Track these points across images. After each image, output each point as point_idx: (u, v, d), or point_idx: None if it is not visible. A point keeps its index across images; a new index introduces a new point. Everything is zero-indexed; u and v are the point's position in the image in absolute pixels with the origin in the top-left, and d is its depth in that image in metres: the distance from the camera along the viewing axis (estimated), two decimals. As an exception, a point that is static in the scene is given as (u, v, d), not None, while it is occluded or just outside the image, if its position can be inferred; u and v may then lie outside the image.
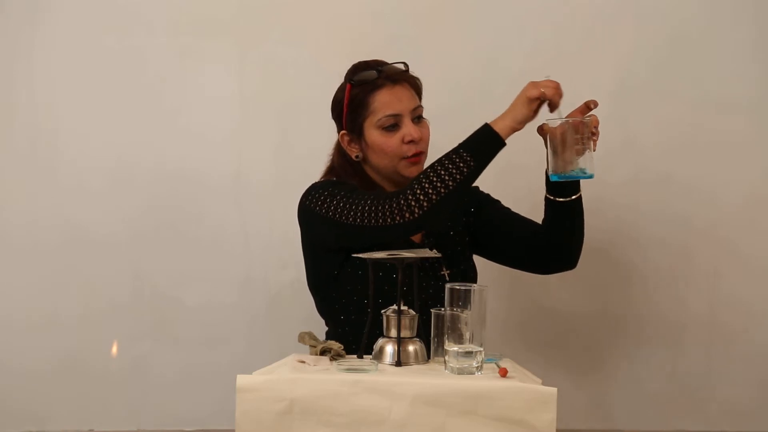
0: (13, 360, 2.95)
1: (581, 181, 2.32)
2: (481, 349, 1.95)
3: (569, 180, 2.29)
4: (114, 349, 2.97)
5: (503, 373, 1.91)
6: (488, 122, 2.22)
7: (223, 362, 2.95)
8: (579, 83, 2.91)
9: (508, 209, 2.55)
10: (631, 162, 2.97)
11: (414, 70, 2.43)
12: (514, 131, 2.22)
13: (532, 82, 2.23)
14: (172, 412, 2.98)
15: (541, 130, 2.29)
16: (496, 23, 2.99)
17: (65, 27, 2.96)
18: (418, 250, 2.10)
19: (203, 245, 2.98)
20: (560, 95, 2.23)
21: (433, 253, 2.08)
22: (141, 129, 2.97)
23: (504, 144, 2.21)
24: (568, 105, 2.30)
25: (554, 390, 1.84)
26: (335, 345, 2.06)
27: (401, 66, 2.40)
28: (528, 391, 1.84)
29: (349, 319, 2.33)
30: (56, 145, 2.97)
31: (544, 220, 2.41)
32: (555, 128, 2.24)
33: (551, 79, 2.23)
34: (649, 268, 3.00)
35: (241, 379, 1.87)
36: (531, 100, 2.21)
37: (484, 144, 2.21)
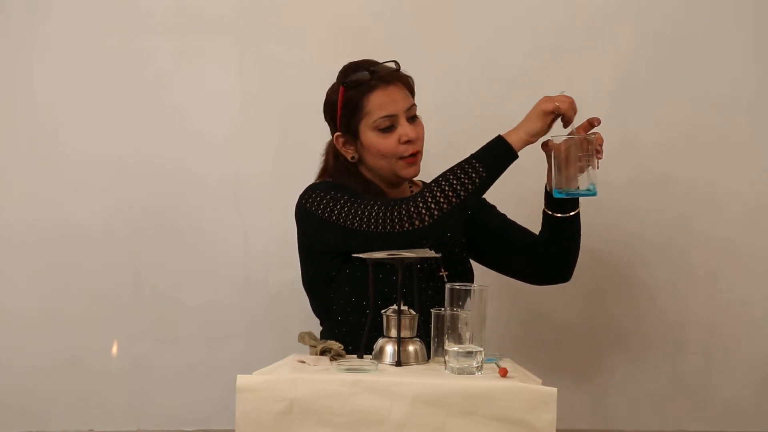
0: (13, 360, 2.95)
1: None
2: (481, 349, 1.94)
3: (571, 197, 2.29)
4: (114, 349, 2.97)
5: (503, 373, 1.91)
6: (501, 134, 2.23)
7: (223, 362, 2.95)
8: (579, 83, 2.92)
9: (505, 216, 2.55)
10: (631, 162, 2.97)
11: (414, 70, 2.43)
12: (527, 144, 2.23)
13: (547, 96, 2.24)
14: (172, 412, 2.98)
15: (545, 146, 2.29)
16: (496, 23, 2.99)
17: (65, 26, 2.96)
18: (417, 250, 2.09)
19: (203, 245, 2.99)
20: (575, 111, 2.24)
21: (432, 253, 2.08)
22: (141, 129, 2.97)
23: (516, 156, 2.22)
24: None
25: (554, 390, 1.84)
26: (335, 345, 2.06)
27: (392, 65, 2.39)
28: (528, 391, 1.84)
29: (347, 320, 2.33)
30: (56, 145, 2.97)
31: (541, 233, 2.42)
32: (559, 144, 2.24)
33: (566, 94, 2.23)
34: (648, 268, 2.99)
35: (241, 379, 1.87)
36: (545, 114, 2.22)
37: (497, 156, 2.21)
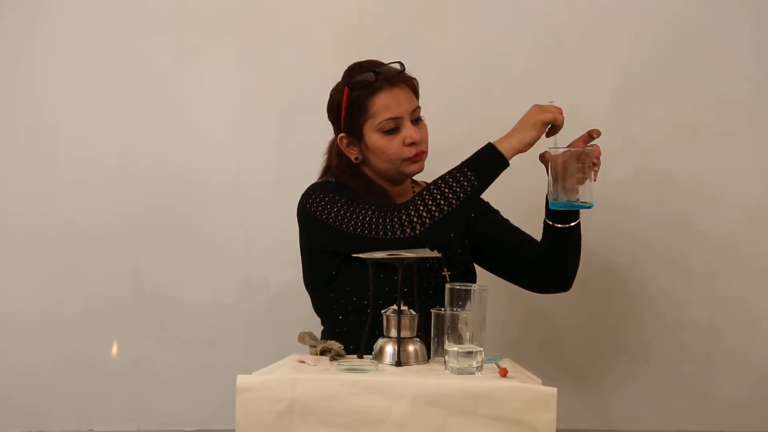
0: (12, 359, 2.95)
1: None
2: (481, 349, 1.95)
3: (568, 209, 2.30)
4: (114, 349, 2.97)
5: (503, 373, 1.91)
6: (492, 142, 2.22)
7: (223, 362, 2.95)
8: (579, 83, 2.94)
9: (507, 221, 2.55)
10: (631, 162, 2.97)
11: (414, 70, 2.42)
12: (519, 152, 2.22)
13: (539, 106, 2.23)
14: (172, 412, 2.98)
15: (543, 158, 2.29)
16: (496, 23, 2.98)
17: (65, 26, 2.96)
18: (418, 250, 2.10)
19: (203, 245, 2.98)
20: (563, 121, 2.24)
21: (433, 254, 2.08)
22: (141, 128, 2.98)
23: (507, 165, 2.21)
24: (569, 105, 2.30)
25: (554, 390, 1.84)
26: (335, 345, 2.06)
27: (397, 66, 2.39)
28: (528, 391, 1.84)
29: (348, 320, 2.33)
30: (56, 144, 2.97)
31: (541, 242, 2.43)
32: (557, 156, 2.24)
33: (555, 104, 2.23)
34: (648, 267, 2.99)
35: (241, 379, 1.87)
36: (543, 124, 2.21)
37: (488, 164, 2.21)
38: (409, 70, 2.41)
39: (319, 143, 2.52)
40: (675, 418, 2.99)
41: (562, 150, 2.24)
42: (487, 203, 2.56)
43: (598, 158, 2.27)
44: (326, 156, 2.49)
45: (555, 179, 2.25)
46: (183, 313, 2.98)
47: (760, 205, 2.98)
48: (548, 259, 2.42)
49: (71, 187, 2.97)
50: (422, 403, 1.84)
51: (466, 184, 2.20)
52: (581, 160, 2.23)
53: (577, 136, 2.31)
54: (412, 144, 2.36)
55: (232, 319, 2.99)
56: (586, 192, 2.24)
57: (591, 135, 2.29)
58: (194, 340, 2.98)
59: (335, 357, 2.05)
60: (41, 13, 2.96)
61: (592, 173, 2.24)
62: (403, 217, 2.20)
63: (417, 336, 2.05)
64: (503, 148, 2.20)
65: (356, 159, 2.42)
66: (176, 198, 2.98)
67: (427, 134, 2.41)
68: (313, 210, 2.32)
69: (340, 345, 2.07)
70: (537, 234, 2.45)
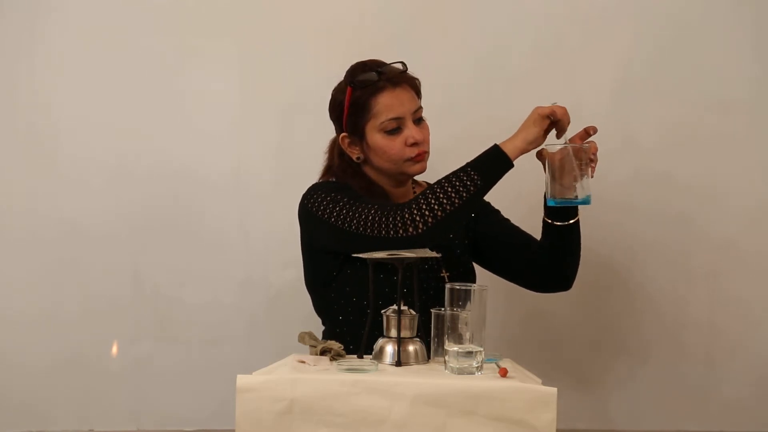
0: (13, 359, 2.95)
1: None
2: (481, 349, 1.95)
3: (566, 206, 2.30)
4: (114, 349, 2.97)
5: (503, 373, 1.91)
6: (498, 143, 2.23)
7: (223, 362, 2.95)
8: (579, 83, 2.94)
9: (508, 221, 2.56)
10: (631, 162, 2.97)
11: (413, 70, 2.43)
12: (524, 152, 2.23)
13: (539, 106, 2.24)
14: (172, 412, 2.98)
15: (540, 155, 2.30)
16: (496, 23, 2.99)
17: (66, 26, 2.96)
18: (418, 250, 2.10)
19: (203, 245, 2.99)
20: (568, 120, 2.25)
21: (432, 254, 2.08)
22: (141, 128, 2.98)
23: (512, 165, 2.22)
24: (569, 105, 2.30)
25: (554, 390, 1.84)
26: (335, 345, 2.07)
27: (400, 66, 2.39)
28: (528, 391, 1.84)
29: (348, 320, 2.33)
30: (56, 144, 2.97)
31: (541, 241, 2.43)
32: (554, 153, 2.25)
33: (558, 105, 2.24)
34: (648, 267, 2.99)
35: (241, 379, 1.87)
36: (543, 118, 2.22)
37: (492, 164, 2.22)
38: (410, 70, 2.41)
39: (320, 143, 2.52)
40: (675, 418, 2.99)
41: (559, 147, 2.24)
42: (488, 203, 2.56)
43: (594, 155, 2.28)
44: (327, 155, 2.50)
45: (552, 176, 2.26)
46: (183, 313, 2.98)
47: (760, 205, 2.99)
48: (548, 258, 2.42)
49: (71, 187, 2.97)
50: (422, 403, 1.84)
51: (469, 183, 2.20)
52: (578, 156, 2.23)
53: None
54: (414, 144, 2.37)
55: (232, 319, 2.99)
56: (583, 189, 2.25)
57: (587, 132, 2.30)
58: (194, 340, 2.99)
59: (335, 357, 2.05)
60: (41, 13, 2.96)
61: (589, 170, 2.25)
62: (406, 215, 2.20)
63: (417, 336, 2.05)
64: (507, 149, 2.22)
65: (358, 159, 2.42)
66: (176, 198, 2.98)
67: (428, 134, 2.42)
68: (314, 209, 2.32)
69: (340, 345, 2.07)
70: (537, 233, 2.45)
